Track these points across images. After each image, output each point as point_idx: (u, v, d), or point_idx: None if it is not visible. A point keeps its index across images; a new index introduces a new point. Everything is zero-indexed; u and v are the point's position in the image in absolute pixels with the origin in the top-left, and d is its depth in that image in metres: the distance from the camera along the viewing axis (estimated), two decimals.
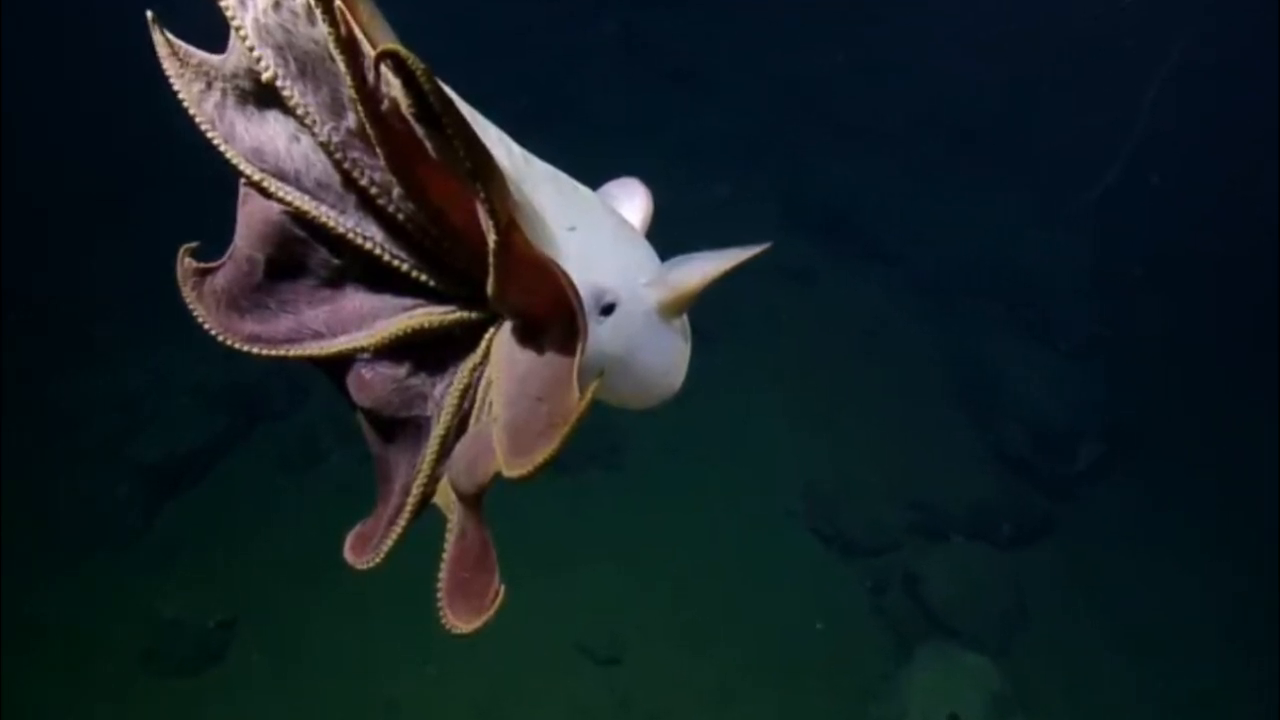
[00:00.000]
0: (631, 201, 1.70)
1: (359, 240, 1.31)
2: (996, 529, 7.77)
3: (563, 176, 1.45)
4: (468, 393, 1.37)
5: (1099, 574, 7.70)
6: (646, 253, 1.53)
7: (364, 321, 1.36)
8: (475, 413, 1.37)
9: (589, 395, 1.18)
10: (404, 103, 1.11)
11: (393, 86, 1.14)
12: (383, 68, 1.14)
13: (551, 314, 1.25)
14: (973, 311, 9.77)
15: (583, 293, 1.22)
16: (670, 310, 1.47)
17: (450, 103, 1.09)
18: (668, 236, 1.63)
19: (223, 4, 1.23)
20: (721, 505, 7.54)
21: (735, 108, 12.18)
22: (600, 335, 1.35)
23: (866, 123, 11.88)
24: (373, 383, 1.38)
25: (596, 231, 1.43)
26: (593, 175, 1.64)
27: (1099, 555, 7.84)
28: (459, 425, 1.38)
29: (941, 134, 11.82)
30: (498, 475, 1.25)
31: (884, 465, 8.05)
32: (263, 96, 1.29)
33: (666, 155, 10.40)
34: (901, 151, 11.53)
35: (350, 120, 1.25)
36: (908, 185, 11.11)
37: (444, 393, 1.38)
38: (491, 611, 1.30)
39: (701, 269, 1.48)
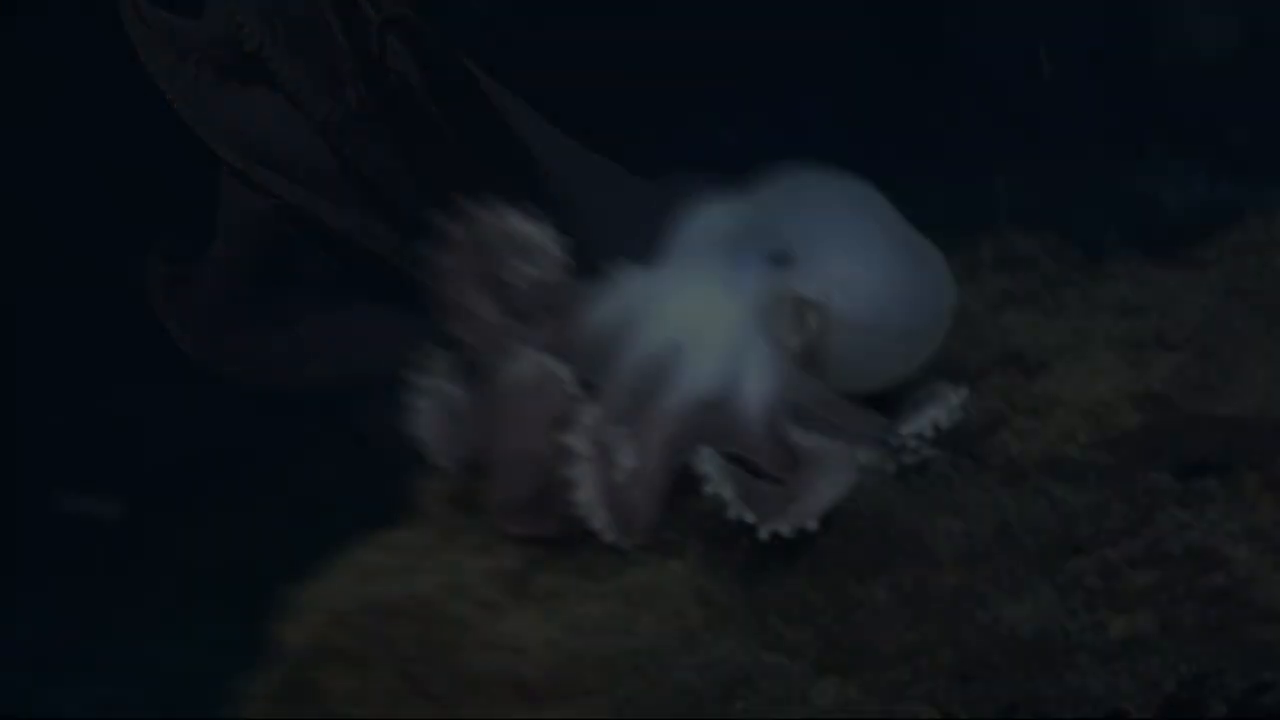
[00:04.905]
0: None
1: (361, 239, 1.31)
2: None
3: (611, 166, 1.44)
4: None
5: None
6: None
7: (379, 340, 1.35)
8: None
9: None
10: (414, 77, 1.11)
11: (400, 58, 1.14)
12: (389, 36, 1.13)
13: None
14: None
15: None
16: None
17: (471, 77, 1.08)
18: None
19: None
20: None
21: None
22: None
23: None
24: None
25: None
26: None
27: None
28: None
29: None
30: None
31: None
32: (246, 70, 1.29)
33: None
34: None
35: (350, 98, 1.24)
36: None
37: None
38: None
39: None
